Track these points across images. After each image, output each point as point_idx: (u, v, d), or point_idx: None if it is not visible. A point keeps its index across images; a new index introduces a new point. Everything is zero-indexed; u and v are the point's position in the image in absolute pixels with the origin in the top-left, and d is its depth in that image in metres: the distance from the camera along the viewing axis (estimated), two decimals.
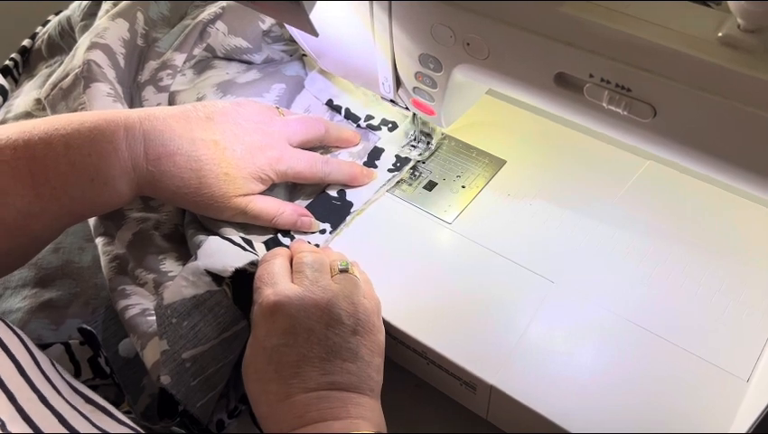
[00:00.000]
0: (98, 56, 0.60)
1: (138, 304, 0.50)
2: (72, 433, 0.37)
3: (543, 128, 0.61)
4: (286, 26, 0.62)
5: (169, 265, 0.53)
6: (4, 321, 0.40)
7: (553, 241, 0.52)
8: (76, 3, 0.72)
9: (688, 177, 0.56)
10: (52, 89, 0.60)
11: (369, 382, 0.43)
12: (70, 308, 0.54)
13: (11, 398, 0.36)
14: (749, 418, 0.38)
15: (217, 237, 0.51)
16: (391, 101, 0.57)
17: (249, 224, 0.54)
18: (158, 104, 0.62)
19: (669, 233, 0.52)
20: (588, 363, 0.46)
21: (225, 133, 0.51)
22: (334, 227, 0.55)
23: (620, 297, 0.49)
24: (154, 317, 0.47)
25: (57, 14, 0.77)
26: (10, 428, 0.34)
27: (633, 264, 0.51)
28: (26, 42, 0.76)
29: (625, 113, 0.39)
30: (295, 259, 0.48)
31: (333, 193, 0.57)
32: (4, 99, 0.71)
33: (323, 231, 0.55)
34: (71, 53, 0.62)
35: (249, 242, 0.53)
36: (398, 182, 0.58)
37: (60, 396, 0.39)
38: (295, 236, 0.54)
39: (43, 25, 0.77)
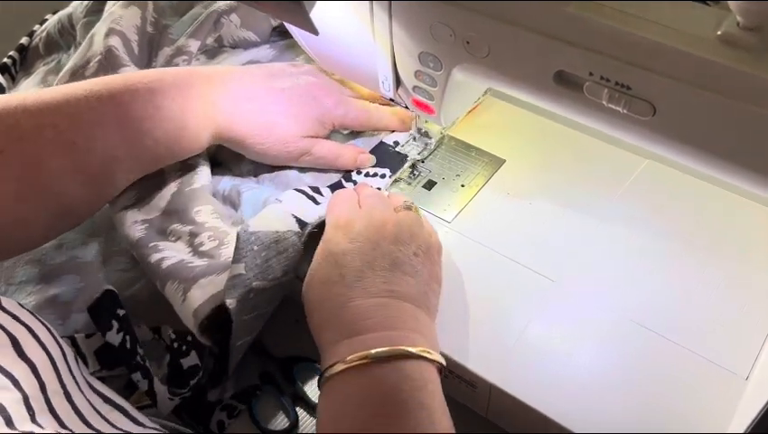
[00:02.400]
0: (116, 42, 0.61)
1: (174, 256, 0.51)
2: (93, 431, 0.37)
3: (542, 127, 0.61)
4: (286, 25, 0.62)
5: (204, 216, 0.53)
6: (34, 315, 0.40)
7: (552, 240, 0.52)
8: (77, 1, 0.72)
9: (687, 176, 0.56)
10: (71, 76, 0.61)
11: (427, 300, 0.45)
12: (75, 303, 0.54)
13: (42, 388, 0.36)
14: (748, 416, 0.38)
15: (293, 190, 0.54)
16: (391, 100, 0.57)
17: (314, 174, 0.58)
18: None
19: (668, 231, 0.53)
20: (588, 360, 0.46)
21: (290, 83, 0.57)
22: (393, 171, 0.58)
23: (619, 295, 0.49)
24: (195, 264, 0.49)
25: (54, 12, 0.77)
26: (39, 419, 0.34)
27: (633, 262, 0.51)
28: (24, 41, 0.76)
29: (625, 111, 0.39)
30: (361, 196, 0.50)
31: (389, 141, 0.60)
32: None
33: (382, 176, 0.57)
34: (86, 42, 0.62)
35: (317, 190, 0.55)
36: (397, 180, 0.58)
37: (81, 393, 0.39)
38: (357, 181, 0.57)
39: (41, 24, 0.77)
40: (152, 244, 0.52)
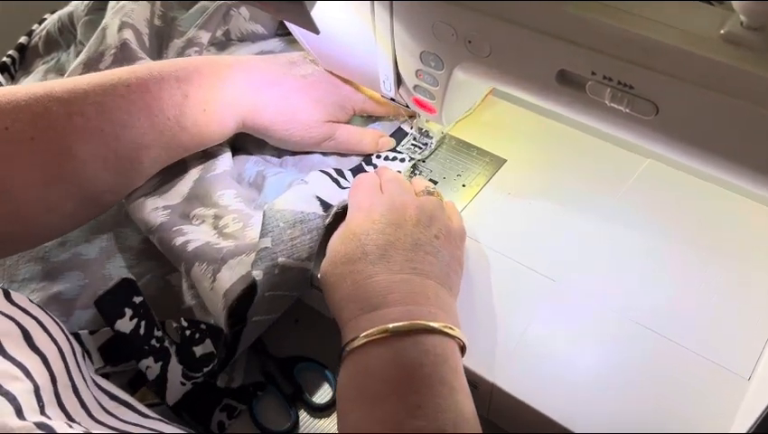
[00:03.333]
0: (130, 35, 0.62)
1: (200, 238, 0.51)
2: (100, 424, 0.37)
3: (544, 127, 0.61)
4: (287, 24, 0.62)
5: (227, 200, 0.54)
6: (43, 309, 0.40)
7: (554, 240, 0.52)
8: (77, 1, 0.72)
9: (690, 175, 0.56)
10: (84, 69, 0.61)
11: (449, 279, 0.45)
12: (78, 300, 0.54)
13: (53, 380, 0.37)
14: (750, 416, 0.38)
15: (317, 171, 0.55)
16: (392, 99, 0.57)
17: (337, 158, 0.59)
18: None
19: (670, 231, 0.52)
20: (589, 361, 0.46)
21: (311, 70, 0.58)
22: (411, 156, 0.60)
23: (621, 295, 0.49)
24: (222, 245, 0.49)
25: (53, 12, 0.77)
26: (48, 411, 0.34)
27: (634, 262, 0.51)
28: (23, 40, 0.76)
29: (627, 111, 0.39)
30: (383, 180, 0.50)
31: (407, 128, 0.61)
32: None
33: (402, 160, 0.59)
34: (98, 35, 0.63)
35: (341, 172, 0.56)
36: None
37: (87, 388, 0.40)
38: (377, 165, 0.59)
39: (40, 23, 0.77)
40: (175, 228, 0.52)
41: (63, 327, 0.41)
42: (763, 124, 0.35)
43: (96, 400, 0.40)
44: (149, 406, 0.47)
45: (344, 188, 0.54)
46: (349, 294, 0.43)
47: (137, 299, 0.49)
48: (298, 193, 0.51)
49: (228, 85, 0.54)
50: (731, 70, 0.34)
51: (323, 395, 0.50)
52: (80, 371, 0.40)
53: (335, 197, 0.52)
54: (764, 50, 0.34)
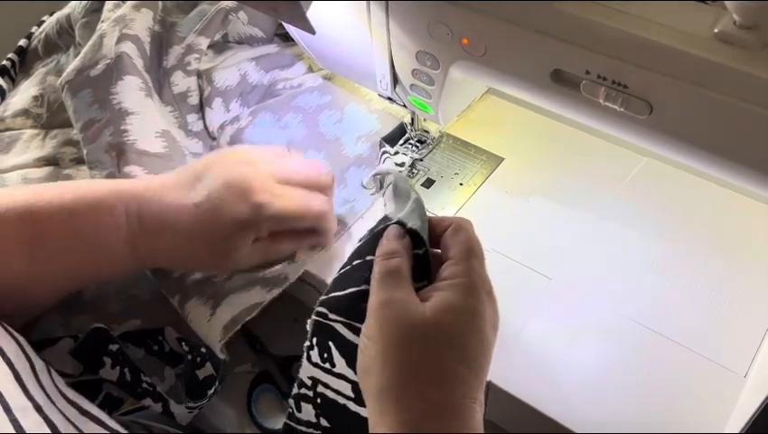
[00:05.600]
0: (129, 48, 0.61)
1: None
2: None
3: (540, 126, 0.61)
4: (284, 24, 0.62)
5: None
6: (3, 325, 0.40)
7: (550, 238, 0.53)
8: (75, 2, 0.72)
9: (686, 173, 0.56)
10: (77, 75, 0.61)
11: None
12: (77, 305, 0.54)
13: (6, 408, 0.36)
14: (746, 413, 0.38)
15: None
16: (389, 99, 0.57)
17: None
18: (188, 88, 0.63)
19: (666, 229, 0.53)
20: (586, 358, 0.46)
21: (205, 193, 0.47)
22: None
23: (617, 293, 0.49)
24: (220, 279, 0.50)
25: (52, 14, 0.77)
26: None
27: (630, 260, 0.51)
28: (22, 42, 0.76)
29: (622, 110, 0.39)
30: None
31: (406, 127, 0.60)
32: (2, 98, 0.72)
33: (403, 156, 0.59)
34: (95, 41, 0.62)
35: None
36: None
37: (53, 405, 0.39)
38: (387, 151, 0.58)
39: (38, 26, 0.77)
40: None
41: (23, 343, 0.40)
42: (756, 122, 0.35)
43: (65, 417, 0.39)
44: (140, 409, 0.47)
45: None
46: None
47: (113, 347, 0.48)
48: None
49: (119, 226, 0.47)
50: (724, 69, 0.34)
51: None
52: (43, 389, 0.39)
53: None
54: (757, 48, 0.34)
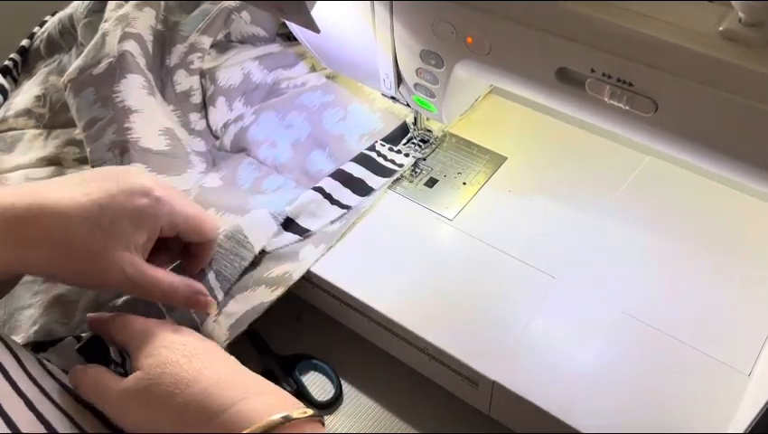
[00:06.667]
0: (132, 46, 0.61)
1: None
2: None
3: (544, 125, 0.61)
4: (288, 23, 0.62)
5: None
6: None
7: (554, 237, 0.53)
8: (77, 2, 0.72)
9: (689, 172, 0.56)
10: (79, 74, 0.61)
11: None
12: (80, 302, 0.54)
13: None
14: (751, 412, 0.38)
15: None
16: (392, 98, 0.57)
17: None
18: (190, 86, 0.64)
19: (670, 228, 0.53)
20: (590, 357, 0.46)
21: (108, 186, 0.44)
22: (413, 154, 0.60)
23: (621, 291, 0.49)
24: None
25: (54, 14, 0.77)
26: None
27: (634, 259, 0.51)
28: (25, 42, 0.76)
29: (627, 108, 0.39)
30: None
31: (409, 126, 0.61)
32: (5, 98, 0.72)
33: (406, 154, 0.59)
34: (97, 40, 0.62)
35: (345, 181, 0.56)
36: (399, 179, 0.58)
37: (45, 397, 0.39)
38: (381, 152, 0.59)
39: (41, 26, 0.77)
40: None
41: (5, 338, 0.40)
42: (761, 120, 0.35)
43: (60, 409, 0.39)
44: None
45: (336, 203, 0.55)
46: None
47: (114, 354, 0.48)
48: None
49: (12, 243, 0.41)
50: (730, 67, 0.34)
51: (324, 393, 0.50)
52: (35, 382, 0.39)
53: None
54: (763, 46, 0.34)
